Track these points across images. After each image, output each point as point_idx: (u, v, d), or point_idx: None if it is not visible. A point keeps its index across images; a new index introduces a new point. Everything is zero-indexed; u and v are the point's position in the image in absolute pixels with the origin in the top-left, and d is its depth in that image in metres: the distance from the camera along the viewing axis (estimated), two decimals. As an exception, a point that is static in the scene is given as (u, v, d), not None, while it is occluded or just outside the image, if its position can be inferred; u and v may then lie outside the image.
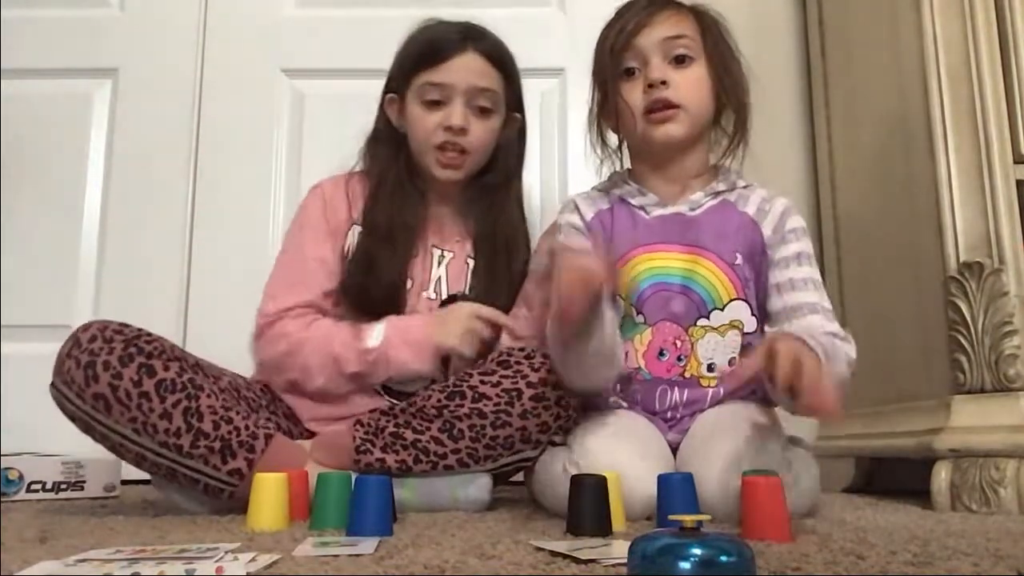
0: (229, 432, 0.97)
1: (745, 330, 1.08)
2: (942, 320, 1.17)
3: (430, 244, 1.23)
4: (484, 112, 1.21)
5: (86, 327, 0.98)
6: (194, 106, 1.73)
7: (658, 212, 1.14)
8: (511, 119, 1.27)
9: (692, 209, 1.13)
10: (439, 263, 1.23)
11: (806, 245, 1.13)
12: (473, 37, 1.21)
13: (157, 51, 1.75)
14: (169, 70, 1.74)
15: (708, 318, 1.08)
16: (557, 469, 0.98)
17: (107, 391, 0.94)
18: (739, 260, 1.09)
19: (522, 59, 1.74)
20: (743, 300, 1.09)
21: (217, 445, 0.97)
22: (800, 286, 1.09)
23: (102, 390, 0.95)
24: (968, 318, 1.13)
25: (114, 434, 0.97)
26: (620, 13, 1.18)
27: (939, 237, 1.18)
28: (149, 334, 0.99)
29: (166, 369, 0.96)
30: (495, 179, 1.26)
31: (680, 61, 1.12)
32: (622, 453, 0.97)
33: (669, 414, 1.10)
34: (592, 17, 1.76)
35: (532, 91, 1.74)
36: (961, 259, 1.15)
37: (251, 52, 1.75)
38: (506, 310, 1.18)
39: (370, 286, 1.16)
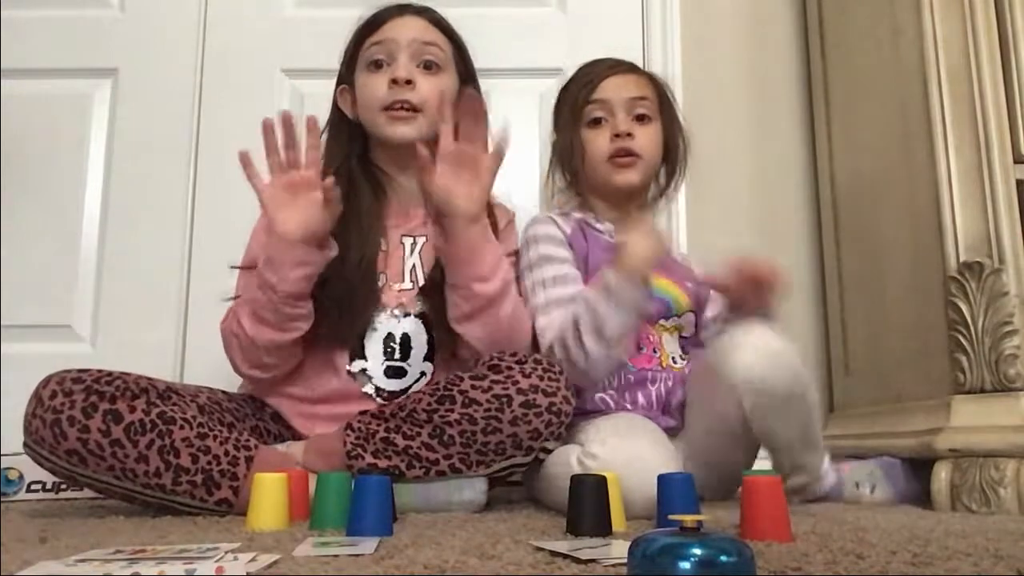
0: (209, 463, 0.96)
1: (683, 334, 1.26)
2: (942, 320, 1.17)
3: (400, 235, 1.21)
4: (431, 68, 1.19)
5: (45, 382, 0.96)
6: (194, 106, 1.73)
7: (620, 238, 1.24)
8: (467, 94, 1.22)
9: None
10: (411, 251, 1.21)
11: None
12: (413, 7, 1.22)
13: (157, 51, 1.75)
14: (169, 70, 1.74)
15: (667, 320, 1.25)
16: (571, 464, 0.99)
17: (78, 446, 0.93)
18: (689, 285, 1.28)
19: (522, 59, 1.76)
20: (693, 312, 1.28)
21: (199, 478, 0.96)
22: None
23: (72, 445, 0.94)
24: (968, 318, 1.13)
25: (97, 482, 0.97)
26: (586, 71, 1.32)
27: (939, 237, 1.18)
28: (110, 373, 0.97)
29: (132, 410, 0.95)
30: None
31: (641, 119, 1.28)
32: (640, 445, 1.00)
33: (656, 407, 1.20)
34: (592, 17, 1.77)
35: (531, 91, 1.75)
36: (961, 259, 1.15)
37: (251, 52, 1.75)
38: None
39: (330, 292, 1.11)
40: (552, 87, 1.75)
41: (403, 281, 1.19)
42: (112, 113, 1.74)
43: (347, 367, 1.15)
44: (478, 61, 1.74)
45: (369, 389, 1.14)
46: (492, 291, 1.07)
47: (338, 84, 1.25)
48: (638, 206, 1.32)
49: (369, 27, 1.21)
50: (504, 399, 0.99)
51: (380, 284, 1.17)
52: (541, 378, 1.00)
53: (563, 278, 1.21)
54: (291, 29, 1.76)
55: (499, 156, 1.04)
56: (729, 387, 1.03)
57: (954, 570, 0.57)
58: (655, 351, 1.22)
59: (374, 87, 1.17)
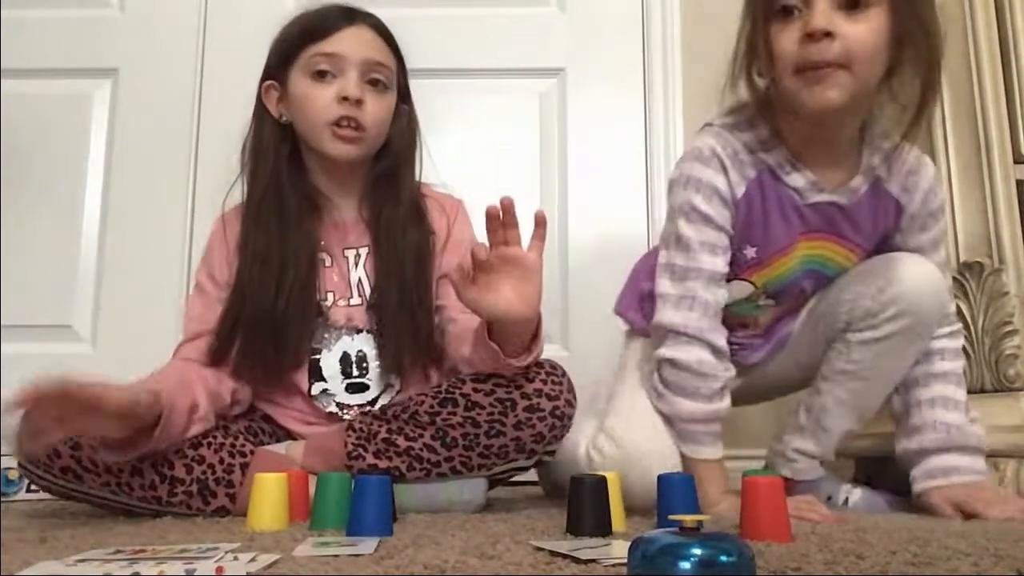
0: (204, 472, 0.95)
1: None
2: (942, 320, 1.17)
3: (342, 248, 1.17)
4: (378, 86, 1.13)
5: None
6: (194, 106, 1.73)
7: (815, 199, 1.00)
8: (400, 111, 1.19)
9: (850, 199, 1.01)
10: (356, 264, 1.16)
11: (941, 229, 1.05)
12: (362, 14, 1.15)
13: (157, 51, 1.75)
14: (169, 70, 1.74)
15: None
16: (580, 454, 0.98)
17: (71, 463, 0.93)
18: (859, 242, 1.04)
19: (522, 59, 1.76)
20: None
21: (195, 488, 0.95)
22: None
23: (66, 463, 0.93)
24: (968, 318, 1.13)
25: (94, 498, 0.97)
26: None
27: (939, 237, 1.18)
28: None
29: None
30: (385, 167, 1.18)
31: (854, 5, 0.90)
32: (648, 434, 0.98)
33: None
34: (592, 17, 1.77)
35: (531, 91, 1.75)
36: (961, 259, 1.15)
37: (251, 52, 1.74)
38: (399, 299, 1.11)
39: (250, 318, 1.07)
40: (552, 87, 1.76)
41: (351, 296, 1.15)
42: (112, 113, 1.74)
43: (308, 392, 1.12)
44: (478, 61, 1.75)
45: (332, 408, 1.12)
46: (525, 364, 0.98)
47: (264, 79, 1.17)
48: (851, 142, 0.99)
49: (317, 33, 1.12)
50: (508, 403, 0.98)
51: (328, 303, 1.14)
52: (544, 382, 1.00)
53: (711, 246, 0.99)
54: (291, 29, 1.76)
55: (542, 245, 0.91)
56: (883, 281, 0.97)
57: (954, 570, 0.57)
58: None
59: (320, 99, 1.10)
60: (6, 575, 0.54)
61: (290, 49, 1.14)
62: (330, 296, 1.15)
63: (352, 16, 1.14)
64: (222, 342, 1.08)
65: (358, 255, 1.17)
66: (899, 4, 0.90)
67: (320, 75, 1.12)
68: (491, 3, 1.77)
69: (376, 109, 1.13)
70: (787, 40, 0.91)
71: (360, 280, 1.16)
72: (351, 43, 1.12)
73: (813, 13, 0.89)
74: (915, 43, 0.92)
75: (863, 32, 0.89)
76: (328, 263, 1.16)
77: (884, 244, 1.05)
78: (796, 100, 0.93)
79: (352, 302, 1.15)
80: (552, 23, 1.77)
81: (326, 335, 1.13)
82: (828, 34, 0.88)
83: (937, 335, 1.02)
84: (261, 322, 1.08)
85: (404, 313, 1.11)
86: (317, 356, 1.13)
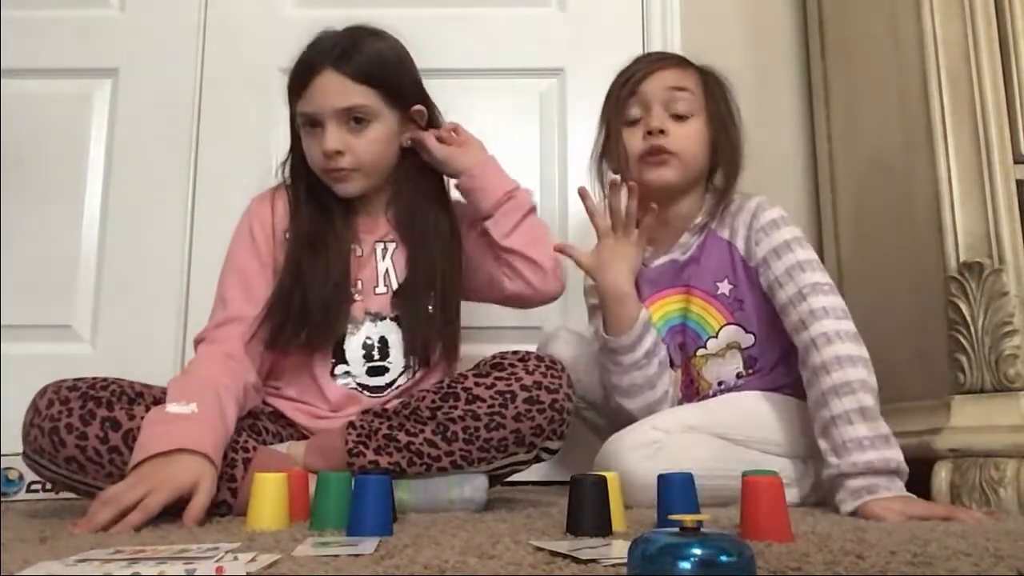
0: None
1: (743, 346, 1.19)
2: (942, 320, 1.17)
3: (373, 241, 1.23)
4: (360, 123, 1.17)
5: (42, 392, 0.97)
6: (194, 106, 1.73)
7: (656, 263, 1.27)
8: (411, 116, 1.23)
9: (684, 253, 1.25)
10: (383, 256, 1.23)
11: (781, 235, 1.16)
12: (331, 54, 1.16)
13: (157, 51, 1.75)
14: (169, 70, 1.74)
15: (706, 347, 1.21)
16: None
17: (76, 453, 0.94)
18: (721, 289, 1.20)
19: (521, 59, 1.76)
20: (734, 324, 1.19)
21: None
22: (785, 280, 1.12)
23: (71, 453, 0.94)
24: (968, 318, 1.13)
25: (97, 489, 0.95)
26: (631, 64, 1.27)
27: (939, 237, 1.18)
28: (104, 379, 0.98)
29: (130, 418, 0.95)
30: (412, 164, 1.24)
31: (680, 116, 1.21)
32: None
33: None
34: (592, 17, 1.77)
35: (531, 91, 1.75)
36: (961, 259, 1.15)
37: (251, 52, 1.74)
38: (426, 293, 1.18)
39: (301, 293, 1.14)
40: (551, 87, 1.76)
41: (378, 285, 1.21)
42: (112, 113, 1.74)
43: (330, 373, 1.17)
44: (478, 61, 1.75)
45: (352, 385, 1.17)
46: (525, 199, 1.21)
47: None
48: (690, 216, 1.25)
49: (295, 89, 1.19)
50: (508, 395, 1.00)
51: (357, 290, 1.20)
52: (544, 375, 1.02)
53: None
54: (291, 29, 1.75)
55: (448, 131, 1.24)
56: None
57: (954, 570, 0.57)
58: (692, 381, 1.24)
59: (312, 150, 1.19)
60: (6, 575, 0.54)
61: (288, 97, 1.22)
62: (359, 284, 1.20)
63: (321, 62, 1.16)
64: (275, 323, 1.13)
65: (386, 248, 1.23)
66: (712, 119, 1.23)
67: (310, 127, 1.19)
68: (491, 3, 1.77)
69: (361, 147, 1.18)
70: (634, 138, 1.22)
71: (388, 271, 1.22)
72: (321, 98, 1.16)
73: (652, 118, 1.21)
74: (722, 148, 1.23)
75: (687, 132, 1.21)
76: (359, 253, 1.22)
77: (751, 277, 1.18)
78: (641, 180, 1.20)
79: (378, 291, 1.20)
80: (552, 23, 1.77)
81: (353, 321, 1.18)
82: (662, 131, 1.19)
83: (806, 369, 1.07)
84: (304, 302, 1.14)
85: (428, 304, 1.18)
86: (343, 340, 1.17)
